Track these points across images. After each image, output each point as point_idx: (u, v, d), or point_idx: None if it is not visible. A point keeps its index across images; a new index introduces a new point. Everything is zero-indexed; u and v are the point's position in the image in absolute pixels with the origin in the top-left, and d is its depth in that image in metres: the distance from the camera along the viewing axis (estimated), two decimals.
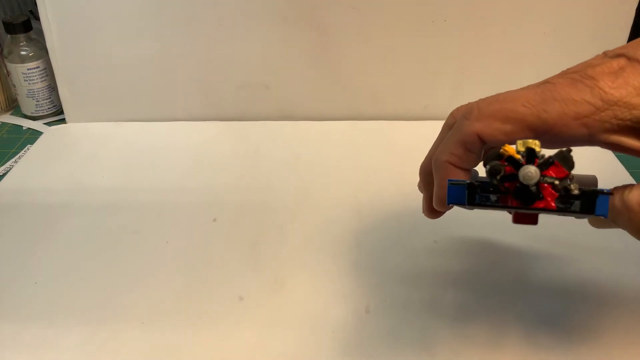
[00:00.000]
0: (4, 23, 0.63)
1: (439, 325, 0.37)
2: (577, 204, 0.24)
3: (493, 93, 0.29)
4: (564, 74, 0.27)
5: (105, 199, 0.51)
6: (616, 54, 0.27)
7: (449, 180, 0.27)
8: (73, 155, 0.59)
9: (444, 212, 0.33)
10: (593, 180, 0.30)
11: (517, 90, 0.28)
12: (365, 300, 0.39)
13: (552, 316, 0.38)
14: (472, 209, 0.28)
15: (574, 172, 0.26)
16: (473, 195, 0.26)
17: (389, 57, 0.60)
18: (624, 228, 0.26)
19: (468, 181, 0.26)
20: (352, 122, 0.62)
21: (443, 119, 0.32)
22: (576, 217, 0.27)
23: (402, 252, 0.43)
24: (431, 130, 0.34)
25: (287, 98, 0.63)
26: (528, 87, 0.28)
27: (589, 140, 0.26)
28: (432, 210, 0.33)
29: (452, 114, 0.31)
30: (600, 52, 0.28)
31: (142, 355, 0.36)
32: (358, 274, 0.42)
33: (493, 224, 0.45)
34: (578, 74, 0.26)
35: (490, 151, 0.26)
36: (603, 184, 0.27)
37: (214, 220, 0.48)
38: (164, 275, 0.42)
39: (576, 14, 0.57)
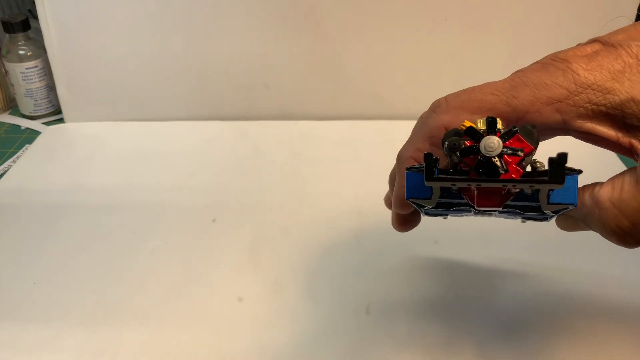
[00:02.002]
0: (3, 22, 0.62)
1: (439, 325, 0.37)
2: (544, 178, 0.22)
3: None
4: (535, 62, 0.26)
5: (104, 199, 0.51)
6: (590, 40, 0.25)
7: (406, 168, 0.25)
8: (71, 155, 0.59)
9: (413, 224, 0.30)
10: None
11: (487, 82, 0.26)
12: (365, 300, 0.39)
13: (552, 320, 0.37)
14: (433, 208, 0.25)
15: None
16: (431, 167, 0.23)
17: (389, 57, 0.60)
18: (594, 228, 0.25)
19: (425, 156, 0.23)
20: (352, 122, 0.62)
21: None
22: (543, 216, 0.25)
23: (402, 252, 0.43)
24: None
25: (287, 98, 0.63)
26: (499, 80, 0.26)
27: (563, 127, 0.25)
28: (400, 221, 0.30)
29: (421, 116, 0.29)
30: None
31: (141, 356, 0.36)
32: (358, 274, 0.42)
33: (494, 224, 0.44)
34: (549, 58, 0.25)
35: (448, 131, 0.25)
36: None
37: (213, 220, 0.48)
38: (162, 276, 0.42)
39: (577, 14, 0.56)
